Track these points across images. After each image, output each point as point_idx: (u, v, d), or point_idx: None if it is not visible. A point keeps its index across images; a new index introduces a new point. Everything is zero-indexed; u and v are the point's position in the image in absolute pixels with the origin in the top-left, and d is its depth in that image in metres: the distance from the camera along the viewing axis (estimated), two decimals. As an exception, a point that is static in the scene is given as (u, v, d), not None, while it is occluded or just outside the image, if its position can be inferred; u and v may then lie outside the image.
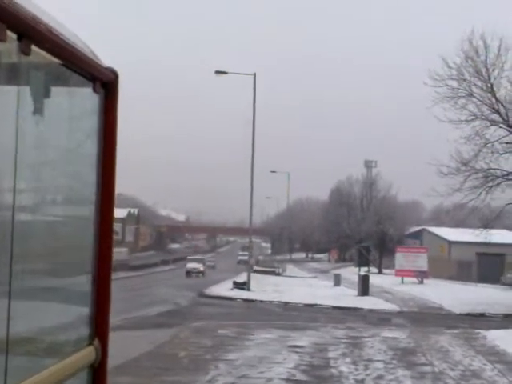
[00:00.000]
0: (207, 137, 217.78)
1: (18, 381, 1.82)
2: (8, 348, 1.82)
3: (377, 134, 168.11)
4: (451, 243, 65.64)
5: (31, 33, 1.77)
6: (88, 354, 2.38)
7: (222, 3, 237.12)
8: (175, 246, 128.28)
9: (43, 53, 1.90)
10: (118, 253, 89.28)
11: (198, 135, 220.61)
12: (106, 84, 2.42)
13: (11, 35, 1.69)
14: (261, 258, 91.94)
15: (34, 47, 1.81)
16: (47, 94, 2.01)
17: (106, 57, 2.43)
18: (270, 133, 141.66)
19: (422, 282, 47.21)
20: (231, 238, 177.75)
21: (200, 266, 59.41)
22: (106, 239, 2.52)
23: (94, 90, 2.35)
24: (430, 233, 72.01)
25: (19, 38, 1.74)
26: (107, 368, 2.54)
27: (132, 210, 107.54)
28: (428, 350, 16.05)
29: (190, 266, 59.45)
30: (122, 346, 12.54)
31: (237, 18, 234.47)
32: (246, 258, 76.06)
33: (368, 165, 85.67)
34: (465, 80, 30.41)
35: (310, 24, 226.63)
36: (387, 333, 19.57)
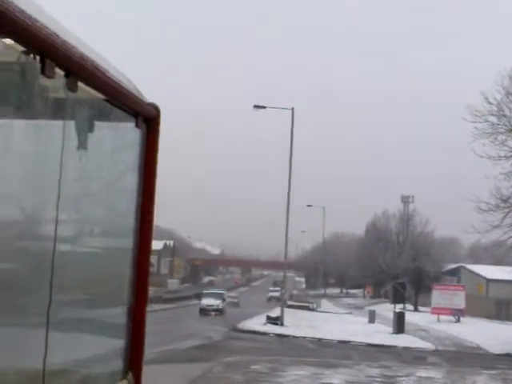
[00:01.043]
0: (244, 170, 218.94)
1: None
2: (44, 380, 1.83)
3: (414, 170, 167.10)
4: (489, 281, 64.35)
5: (78, 70, 1.82)
6: (122, 387, 2.38)
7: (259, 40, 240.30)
8: (211, 278, 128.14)
9: (89, 89, 1.94)
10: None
11: (235, 169, 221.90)
12: (148, 119, 2.47)
13: (59, 72, 1.74)
14: (295, 292, 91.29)
15: (80, 83, 1.85)
16: (91, 129, 2.05)
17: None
18: (306, 167, 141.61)
19: (458, 321, 46.28)
20: (265, 272, 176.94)
21: (218, 303, 49.02)
22: (143, 271, 2.53)
23: (137, 125, 2.39)
24: (467, 270, 70.77)
25: (67, 75, 1.79)
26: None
27: (168, 243, 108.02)
28: (465, 392, 15.65)
29: (206, 302, 49.23)
30: (154, 380, 12.48)
31: (275, 52, 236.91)
32: (277, 294, 70.19)
33: (405, 200, 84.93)
34: (505, 116, 30.13)
35: (344, 59, 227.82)
36: (422, 372, 19.15)
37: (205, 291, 55.51)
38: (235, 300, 62.66)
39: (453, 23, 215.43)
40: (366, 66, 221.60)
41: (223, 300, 50.98)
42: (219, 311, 47.48)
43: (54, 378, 1.94)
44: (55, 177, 1.84)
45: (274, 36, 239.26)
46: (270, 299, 76.17)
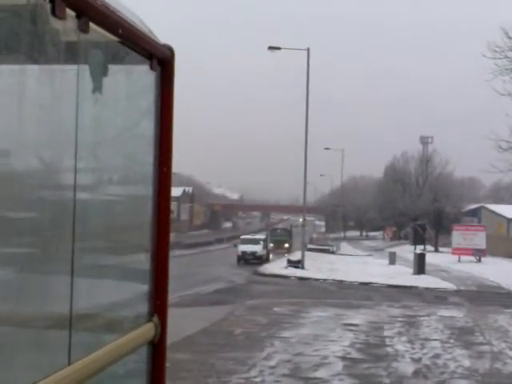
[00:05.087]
0: (262, 114, 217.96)
1: (80, 356, 1.85)
2: (71, 324, 1.85)
3: (433, 110, 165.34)
4: (510, 220, 64.20)
5: (89, 10, 1.78)
6: (148, 330, 2.41)
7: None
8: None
9: (101, 30, 1.90)
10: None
11: (252, 114, 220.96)
12: (162, 61, 2.41)
13: (70, 13, 1.69)
14: (315, 236, 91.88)
15: (92, 25, 1.81)
16: (105, 72, 2.01)
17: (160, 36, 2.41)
18: (324, 110, 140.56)
19: (479, 261, 46.38)
20: (285, 217, 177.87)
21: None
22: (164, 217, 2.53)
23: (151, 67, 2.34)
24: (488, 210, 70.57)
25: (78, 16, 1.75)
26: (166, 344, 2.57)
27: (187, 189, 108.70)
28: (486, 330, 15.78)
29: None
30: (178, 323, 12.72)
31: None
32: (257, 247, 45.14)
33: (424, 141, 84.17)
34: (525, 52, 29.50)
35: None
36: (444, 312, 19.32)
37: None
38: None
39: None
40: (386, 5, 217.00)
41: None
42: None
43: (81, 322, 1.97)
44: (72, 124, 1.82)
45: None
46: (241, 259, 44.34)
